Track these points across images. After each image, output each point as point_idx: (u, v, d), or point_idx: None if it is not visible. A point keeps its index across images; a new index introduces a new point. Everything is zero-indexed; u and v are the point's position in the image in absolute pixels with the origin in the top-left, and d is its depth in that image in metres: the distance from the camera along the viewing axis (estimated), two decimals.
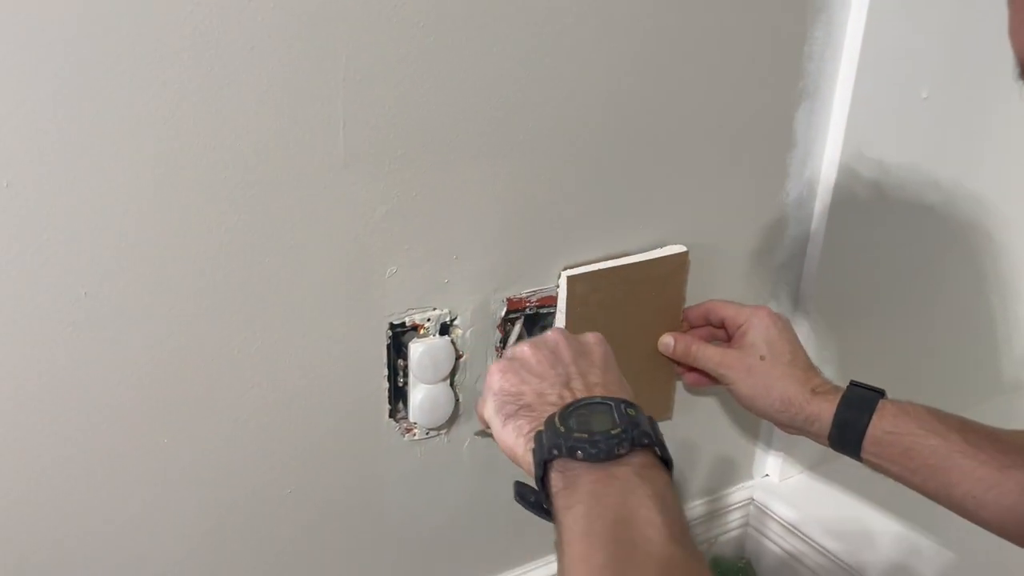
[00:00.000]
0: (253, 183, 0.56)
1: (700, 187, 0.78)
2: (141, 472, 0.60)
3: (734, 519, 0.98)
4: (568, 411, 0.51)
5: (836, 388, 0.73)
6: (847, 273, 0.91)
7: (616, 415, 0.50)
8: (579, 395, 0.54)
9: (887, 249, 0.93)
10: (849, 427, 0.70)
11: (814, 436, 0.73)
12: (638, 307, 0.76)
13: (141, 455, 0.59)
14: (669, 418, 0.87)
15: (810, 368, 0.75)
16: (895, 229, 0.93)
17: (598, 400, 0.53)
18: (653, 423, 0.52)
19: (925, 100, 0.87)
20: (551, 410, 0.52)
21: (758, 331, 0.75)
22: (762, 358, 0.74)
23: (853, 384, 0.72)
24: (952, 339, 1.06)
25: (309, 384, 0.64)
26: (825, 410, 0.71)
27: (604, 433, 0.49)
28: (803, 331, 0.88)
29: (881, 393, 0.71)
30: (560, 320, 0.73)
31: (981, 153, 0.97)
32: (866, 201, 0.88)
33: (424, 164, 0.62)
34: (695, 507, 0.94)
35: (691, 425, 0.89)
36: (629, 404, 0.52)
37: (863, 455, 0.70)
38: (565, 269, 0.72)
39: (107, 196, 0.52)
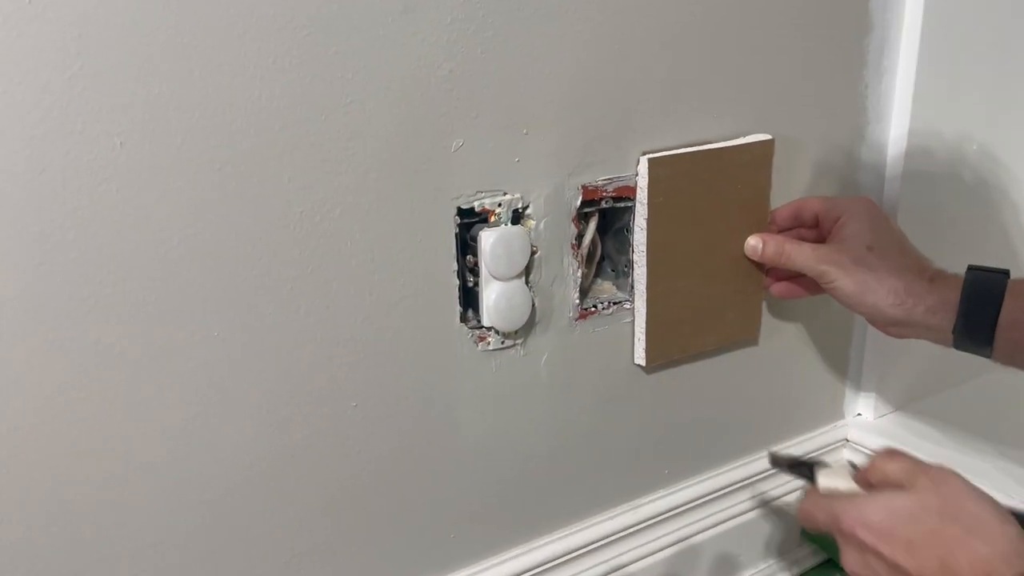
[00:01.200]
0: (301, 26, 0.49)
1: (778, 73, 0.71)
2: (187, 382, 0.52)
3: (831, 461, 0.88)
4: None
5: (955, 275, 0.65)
6: (934, 176, 0.83)
7: None
8: None
9: (976, 156, 0.86)
10: (979, 312, 0.62)
11: (935, 331, 0.65)
12: (723, 202, 0.69)
13: (185, 358, 0.51)
14: (755, 343, 0.78)
15: (922, 256, 0.68)
16: (981, 133, 0.85)
17: None
18: None
19: None
20: None
21: (862, 220, 0.68)
22: (869, 248, 0.66)
23: (973, 268, 0.64)
24: None
25: (371, 276, 0.56)
26: (949, 297, 0.63)
27: None
28: None
29: (1006, 273, 0.63)
30: (640, 214, 0.66)
31: None
32: (951, 90, 0.81)
33: (493, 16, 0.55)
34: (786, 448, 0.84)
35: (777, 352, 0.80)
36: None
37: (996, 344, 0.61)
38: (645, 154, 0.65)
39: None
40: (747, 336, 0.77)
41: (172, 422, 0.52)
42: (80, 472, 0.50)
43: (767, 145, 0.70)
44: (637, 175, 0.65)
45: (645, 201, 0.65)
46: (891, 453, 0.55)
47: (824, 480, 0.59)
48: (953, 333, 0.64)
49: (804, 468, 0.62)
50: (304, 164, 0.52)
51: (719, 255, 0.70)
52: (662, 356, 0.70)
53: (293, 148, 0.51)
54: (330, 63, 0.51)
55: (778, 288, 0.74)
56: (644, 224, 0.66)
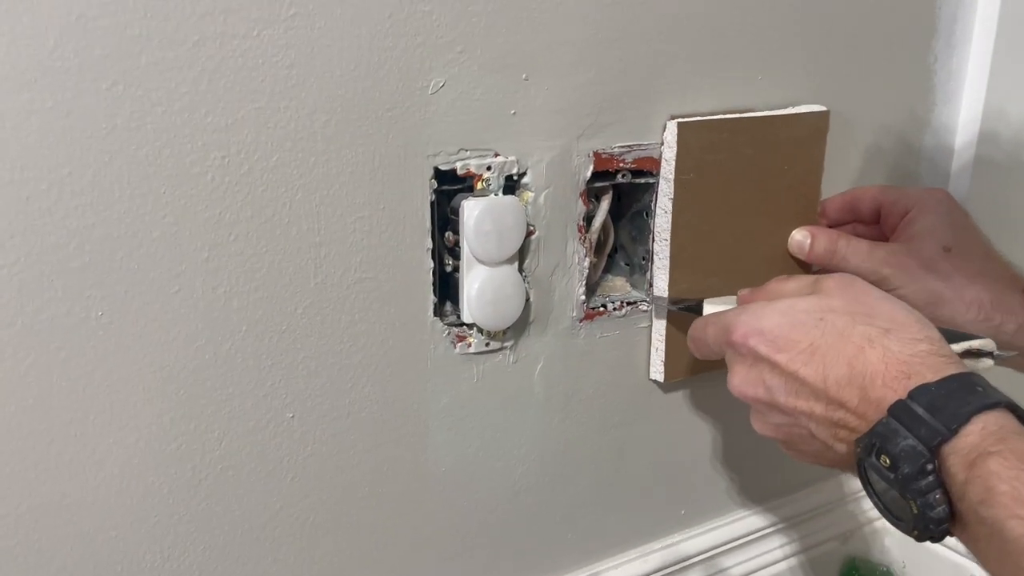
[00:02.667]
0: None
1: (835, 37, 0.60)
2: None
3: (869, 507, 0.75)
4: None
5: None
6: (1009, 169, 0.71)
7: None
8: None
9: None
10: None
11: None
12: (764, 184, 0.56)
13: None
14: None
15: (1011, 264, 0.55)
16: None
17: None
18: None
19: None
20: None
21: (937, 216, 0.56)
22: (947, 249, 0.55)
23: None
24: None
25: (316, 250, 0.43)
26: None
27: None
28: None
29: None
30: (665, 193, 0.53)
31: None
32: None
33: None
34: (818, 491, 0.72)
35: None
36: None
37: None
38: (673, 118, 0.52)
39: None
40: None
41: (36, 429, 0.39)
42: None
43: (822, 118, 0.58)
44: (663, 144, 0.53)
45: (671, 177, 0.53)
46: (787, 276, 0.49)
47: (711, 307, 0.51)
48: None
49: (692, 304, 0.54)
50: (228, 95, 0.39)
51: (757, 249, 0.58)
52: (684, 371, 0.58)
53: (212, 71, 0.38)
54: None
55: None
56: (669, 206, 0.53)
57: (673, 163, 0.53)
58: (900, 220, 0.58)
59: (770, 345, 0.43)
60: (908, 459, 0.37)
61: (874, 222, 0.60)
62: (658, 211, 0.54)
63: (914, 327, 0.41)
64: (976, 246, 0.56)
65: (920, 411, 0.37)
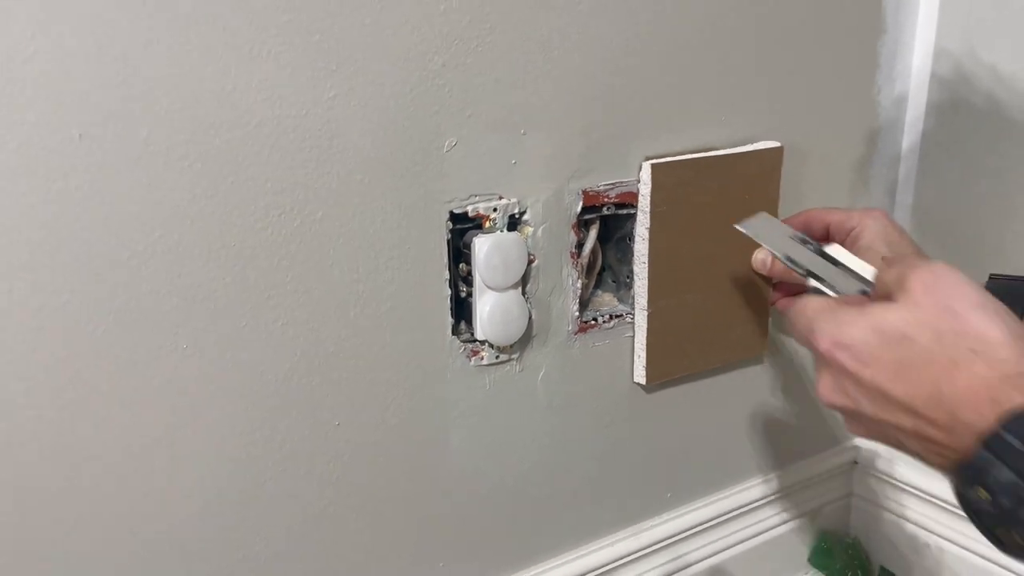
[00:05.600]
0: (280, 10, 0.45)
1: (787, 77, 0.68)
2: (159, 393, 0.47)
3: (838, 485, 0.84)
4: None
5: None
6: (948, 184, 0.80)
7: None
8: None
9: (991, 161, 0.83)
10: None
11: None
12: (728, 212, 0.65)
13: (157, 369, 0.47)
14: (761, 361, 0.75)
15: None
16: (995, 141, 0.82)
17: None
18: None
19: None
20: None
21: (875, 232, 0.64)
22: (884, 260, 0.62)
23: (994, 277, 0.60)
24: None
25: (355, 285, 0.52)
26: None
27: None
28: None
29: None
30: (642, 222, 0.62)
31: None
32: (968, 104, 0.78)
33: (489, 7, 0.51)
34: (791, 471, 0.80)
35: (784, 371, 0.77)
36: None
37: None
38: (647, 159, 0.61)
39: None
40: (753, 354, 0.73)
41: (135, 444, 0.48)
42: (34, 496, 0.46)
43: (776, 153, 0.67)
44: (640, 181, 0.61)
45: (647, 209, 0.61)
46: (889, 260, 0.47)
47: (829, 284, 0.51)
48: None
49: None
50: (282, 163, 0.48)
51: (725, 268, 0.67)
52: (663, 375, 0.67)
53: (271, 145, 0.47)
54: (311, 52, 0.47)
55: (785, 304, 0.70)
56: (646, 233, 0.62)
57: (648, 198, 0.61)
58: (846, 237, 0.66)
59: (856, 360, 0.42)
60: (1007, 493, 0.36)
61: (824, 239, 0.69)
62: (637, 237, 0.63)
63: (1003, 344, 0.39)
64: (908, 256, 0.64)
65: (1016, 443, 0.36)
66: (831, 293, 0.50)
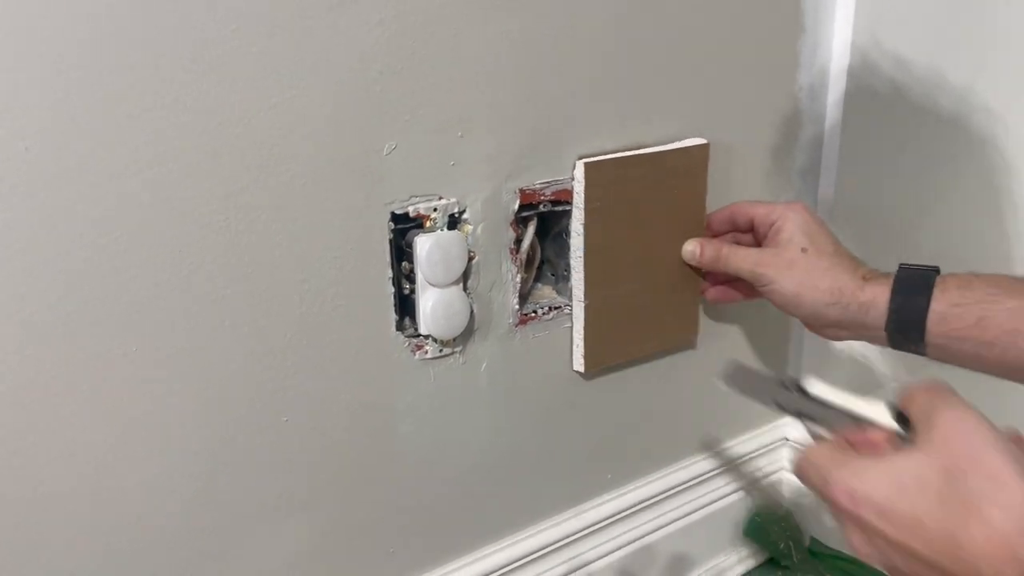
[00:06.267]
0: (222, 22, 0.47)
1: (712, 77, 0.72)
2: (107, 397, 0.49)
3: (770, 461, 0.89)
4: None
5: (886, 273, 0.66)
6: (866, 176, 0.85)
7: None
8: None
9: (905, 155, 0.88)
10: (910, 307, 0.62)
11: (869, 330, 0.66)
12: (659, 206, 0.69)
13: (102, 371, 0.48)
14: (694, 346, 0.79)
15: (854, 258, 0.68)
16: (911, 131, 0.87)
17: None
18: None
19: None
20: None
21: (795, 224, 0.68)
22: (804, 250, 0.67)
23: (904, 266, 0.65)
24: (965, 255, 1.01)
25: (301, 284, 0.54)
26: (880, 294, 0.64)
27: None
28: None
29: (936, 270, 0.64)
30: (577, 218, 0.65)
31: (993, 63, 0.92)
32: (882, 97, 0.83)
33: (424, 17, 0.54)
34: (725, 450, 0.85)
35: (716, 355, 0.81)
36: None
37: (928, 338, 0.62)
38: (581, 158, 0.64)
39: None
40: (686, 340, 0.77)
41: (85, 445, 0.49)
42: None
43: (702, 149, 0.70)
44: (574, 179, 0.64)
45: (582, 205, 0.64)
46: (912, 395, 0.44)
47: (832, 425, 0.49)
48: (886, 331, 0.64)
49: (815, 415, 0.51)
50: (227, 169, 0.49)
51: (657, 260, 0.70)
52: (600, 362, 0.70)
53: (215, 152, 0.49)
54: (254, 62, 0.48)
55: (714, 293, 0.74)
56: (581, 229, 0.65)
57: (583, 195, 0.64)
58: (769, 229, 0.70)
59: (879, 516, 0.40)
60: None
61: (749, 231, 0.72)
62: (573, 233, 0.66)
63: (1018, 490, 0.37)
64: (826, 246, 0.68)
65: None
66: (824, 433, 0.50)
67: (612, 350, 0.70)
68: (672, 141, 0.70)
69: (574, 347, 0.69)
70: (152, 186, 0.47)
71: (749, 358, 0.85)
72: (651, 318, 0.72)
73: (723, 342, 0.81)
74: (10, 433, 0.47)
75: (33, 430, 0.47)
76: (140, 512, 0.52)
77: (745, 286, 0.70)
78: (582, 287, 0.66)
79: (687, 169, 0.70)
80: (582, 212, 0.65)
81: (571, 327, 0.68)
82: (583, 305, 0.67)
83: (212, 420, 0.53)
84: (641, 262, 0.69)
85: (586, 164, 0.64)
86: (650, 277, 0.70)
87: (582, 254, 0.65)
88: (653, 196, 0.68)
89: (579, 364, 0.69)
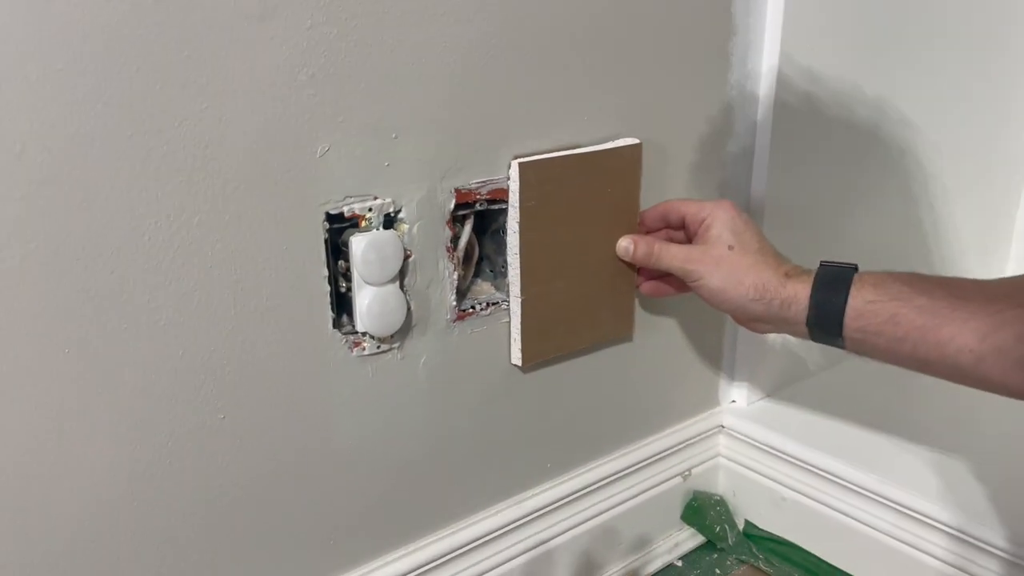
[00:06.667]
0: (149, 28, 0.47)
1: (646, 78, 0.73)
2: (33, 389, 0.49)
3: (706, 448, 0.92)
4: None
5: (808, 270, 0.69)
6: (795, 175, 0.88)
7: None
8: None
9: (831, 157, 0.91)
10: (828, 303, 0.66)
11: (791, 324, 0.69)
12: (593, 204, 0.71)
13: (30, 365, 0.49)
14: (630, 339, 0.81)
15: (779, 255, 0.71)
16: (834, 135, 0.91)
17: None
18: None
19: None
20: None
21: (723, 222, 0.70)
22: (730, 248, 0.69)
23: (824, 264, 0.68)
24: (887, 257, 1.05)
25: (235, 285, 0.55)
26: (801, 291, 0.67)
27: None
28: None
29: (854, 268, 0.67)
30: (513, 217, 0.67)
31: (903, 78, 0.96)
32: (807, 103, 0.86)
33: (356, 21, 0.55)
34: (662, 438, 0.88)
35: (652, 347, 0.83)
36: None
37: (846, 333, 0.65)
38: (516, 158, 0.66)
39: None
40: (621, 334, 0.79)
41: (18, 445, 0.50)
42: None
43: (635, 149, 0.72)
44: (509, 179, 0.66)
45: (517, 204, 0.66)
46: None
47: None
48: (807, 326, 0.67)
49: None
50: (157, 173, 0.50)
51: (592, 256, 0.72)
52: (538, 356, 0.72)
53: (144, 156, 0.49)
54: (182, 68, 0.49)
55: (648, 287, 0.76)
56: (517, 227, 0.67)
57: (518, 194, 0.66)
58: (699, 226, 0.72)
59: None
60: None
61: (681, 228, 0.75)
62: (509, 231, 0.67)
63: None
64: (752, 244, 0.70)
65: None
66: None
67: (549, 343, 0.72)
68: (606, 141, 0.72)
69: (512, 341, 0.71)
70: (79, 190, 0.47)
71: (685, 349, 0.88)
72: (587, 312, 0.74)
73: (659, 334, 0.84)
74: None
75: None
76: (72, 514, 0.53)
77: (677, 281, 0.73)
78: (519, 283, 0.68)
79: (621, 168, 0.72)
80: (517, 211, 0.66)
81: (509, 322, 0.70)
82: (520, 300, 0.68)
83: (148, 419, 0.54)
84: (577, 258, 0.71)
85: (521, 164, 0.65)
86: (586, 272, 0.72)
87: (518, 251, 0.67)
88: (588, 194, 0.70)
89: (516, 358, 0.71)
